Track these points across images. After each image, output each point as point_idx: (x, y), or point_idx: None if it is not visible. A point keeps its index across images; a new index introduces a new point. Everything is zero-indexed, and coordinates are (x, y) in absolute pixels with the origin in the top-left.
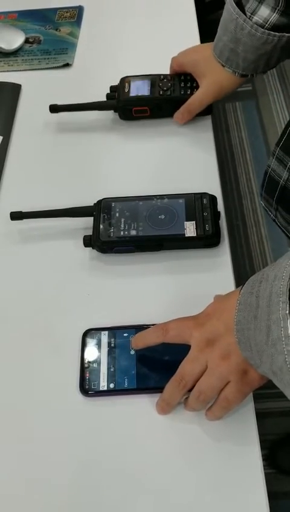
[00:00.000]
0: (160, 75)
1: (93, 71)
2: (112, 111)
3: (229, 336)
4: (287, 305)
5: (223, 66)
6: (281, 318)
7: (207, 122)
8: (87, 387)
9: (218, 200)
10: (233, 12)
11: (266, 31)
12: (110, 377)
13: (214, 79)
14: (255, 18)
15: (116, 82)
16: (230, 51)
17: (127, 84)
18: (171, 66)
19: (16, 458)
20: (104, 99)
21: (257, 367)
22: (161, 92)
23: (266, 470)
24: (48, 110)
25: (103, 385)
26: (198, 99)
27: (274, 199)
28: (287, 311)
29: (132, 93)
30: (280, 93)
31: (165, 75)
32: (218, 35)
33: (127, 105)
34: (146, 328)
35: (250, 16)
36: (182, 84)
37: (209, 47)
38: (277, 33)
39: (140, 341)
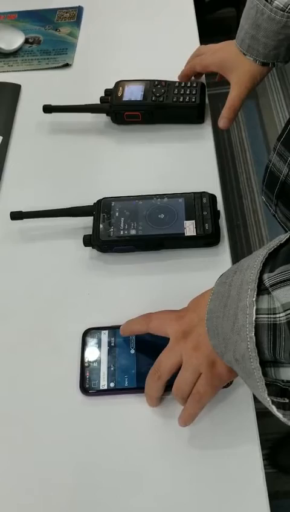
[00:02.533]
0: (154, 80)
1: (93, 71)
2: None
3: (201, 326)
4: (255, 293)
5: (244, 54)
6: (248, 305)
7: (207, 122)
8: (87, 387)
9: (218, 199)
10: None
11: (286, 13)
12: (111, 376)
13: (242, 70)
14: (276, 2)
15: (115, 82)
16: (251, 38)
17: (121, 88)
18: (190, 68)
19: (17, 458)
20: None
21: (221, 355)
22: (154, 98)
23: (267, 469)
24: None
25: (103, 384)
26: (236, 94)
27: (274, 194)
28: (254, 299)
29: (125, 98)
30: (280, 93)
31: (159, 81)
32: (240, 25)
33: (119, 109)
34: None
35: (271, 1)
36: (175, 91)
37: (231, 42)
38: None
39: (126, 328)
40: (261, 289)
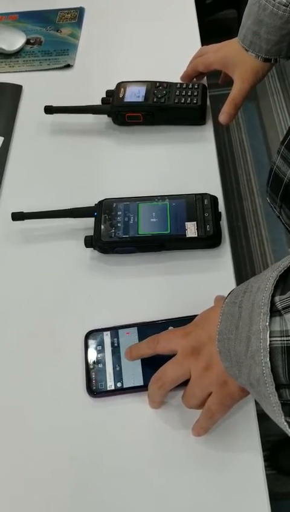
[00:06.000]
0: (156, 82)
1: (94, 72)
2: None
3: (212, 345)
4: (268, 317)
5: (246, 50)
6: (261, 330)
7: (209, 123)
8: (94, 388)
9: (219, 200)
10: None
11: (289, 8)
12: (117, 376)
13: (245, 67)
14: None
15: (117, 83)
16: (253, 34)
17: (122, 90)
18: (192, 68)
19: (24, 462)
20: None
21: (235, 378)
22: (155, 99)
23: (267, 470)
24: None
25: (110, 385)
26: (238, 89)
27: (279, 196)
28: (267, 323)
29: (127, 99)
30: (281, 95)
31: (161, 83)
32: (243, 21)
33: (120, 110)
34: (147, 324)
35: None
36: (177, 93)
37: (233, 40)
38: None
39: (134, 352)
40: (273, 311)
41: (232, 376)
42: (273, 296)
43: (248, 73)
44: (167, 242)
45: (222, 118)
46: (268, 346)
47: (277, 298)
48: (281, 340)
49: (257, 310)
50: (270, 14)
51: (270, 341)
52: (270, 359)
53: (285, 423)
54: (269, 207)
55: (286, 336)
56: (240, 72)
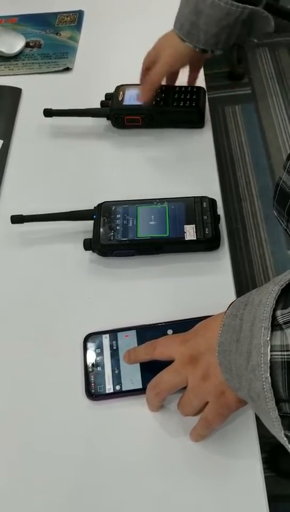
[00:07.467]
0: None
1: (93, 75)
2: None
3: (211, 355)
4: (269, 332)
5: (183, 41)
6: (262, 344)
7: (207, 126)
8: (93, 391)
9: (218, 203)
10: None
11: (229, 1)
12: (116, 379)
13: (173, 49)
14: None
15: (116, 86)
16: (191, 24)
17: (121, 93)
18: (143, 66)
19: (24, 466)
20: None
21: (235, 390)
22: (154, 102)
23: (266, 473)
24: None
25: (109, 388)
26: (157, 68)
27: (285, 210)
28: (268, 338)
29: (126, 102)
30: (279, 97)
31: (160, 86)
32: (179, 9)
33: (119, 113)
34: (146, 327)
35: None
36: (176, 96)
37: (170, 31)
38: (240, 4)
39: (132, 357)
40: (274, 325)
41: (233, 388)
42: (274, 310)
43: (174, 52)
44: (165, 245)
45: (140, 98)
46: (269, 361)
47: (278, 312)
48: (282, 355)
49: (258, 324)
50: (211, 5)
51: (270, 355)
52: (270, 374)
53: (284, 438)
54: (268, 209)
55: (287, 351)
56: (168, 52)
